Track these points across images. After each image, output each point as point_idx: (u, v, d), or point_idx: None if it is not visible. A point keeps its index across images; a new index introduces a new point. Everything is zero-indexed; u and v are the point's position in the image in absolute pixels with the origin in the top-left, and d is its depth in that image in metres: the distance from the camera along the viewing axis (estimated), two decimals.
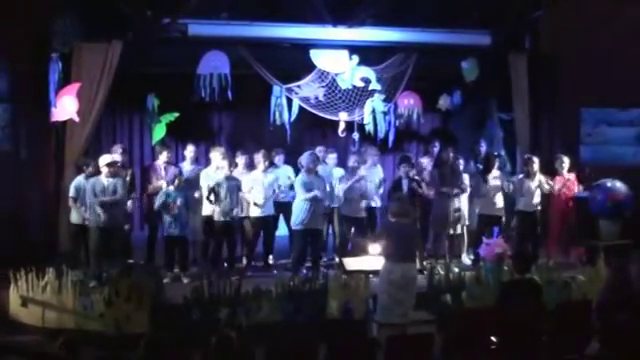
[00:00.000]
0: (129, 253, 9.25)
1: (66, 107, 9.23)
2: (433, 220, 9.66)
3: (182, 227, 8.80)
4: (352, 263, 7.75)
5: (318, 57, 10.25)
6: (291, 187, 9.45)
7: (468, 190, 9.61)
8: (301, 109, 10.43)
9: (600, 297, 6.18)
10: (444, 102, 11.20)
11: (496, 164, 9.81)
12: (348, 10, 9.93)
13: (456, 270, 8.66)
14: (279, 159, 9.78)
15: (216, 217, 8.99)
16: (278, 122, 10.36)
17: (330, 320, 7.58)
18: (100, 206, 8.42)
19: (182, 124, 10.48)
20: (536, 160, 9.60)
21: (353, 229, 9.33)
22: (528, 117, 10.86)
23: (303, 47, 10.23)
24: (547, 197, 9.72)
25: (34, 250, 8.77)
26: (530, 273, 6.59)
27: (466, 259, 9.77)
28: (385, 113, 10.71)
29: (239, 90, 10.02)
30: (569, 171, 9.80)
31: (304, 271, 8.81)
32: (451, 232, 9.56)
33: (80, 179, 8.80)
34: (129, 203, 9.12)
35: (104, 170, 8.52)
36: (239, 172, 9.41)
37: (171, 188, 8.77)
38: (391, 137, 10.85)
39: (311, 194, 8.79)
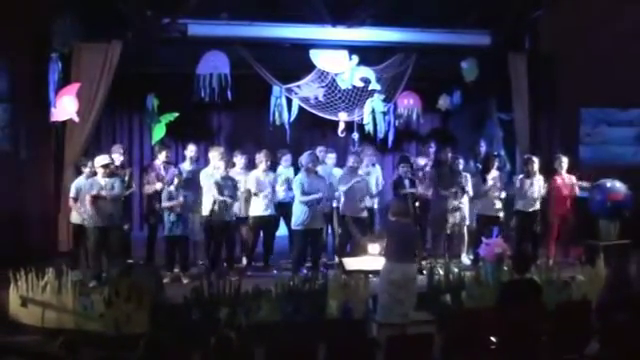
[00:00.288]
0: (128, 253, 9.24)
1: (66, 107, 9.24)
2: (431, 220, 9.66)
3: (184, 227, 8.82)
4: (352, 263, 7.75)
5: (318, 57, 10.26)
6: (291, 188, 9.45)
7: (471, 193, 9.57)
8: (301, 109, 10.44)
9: (600, 297, 6.19)
10: (444, 102, 11.21)
11: (496, 164, 9.78)
12: (348, 10, 9.93)
13: (456, 270, 8.64)
14: (286, 160, 9.67)
15: (215, 217, 8.99)
16: (278, 122, 10.37)
17: (330, 320, 7.56)
18: (94, 201, 8.37)
19: (182, 124, 10.50)
20: (536, 160, 9.58)
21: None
22: (528, 117, 10.86)
23: (303, 47, 10.24)
24: (546, 197, 9.71)
25: (34, 250, 8.79)
26: (530, 273, 6.57)
27: (466, 259, 9.76)
28: (385, 113, 10.72)
29: (239, 90, 10.03)
30: (569, 171, 9.79)
31: (304, 271, 8.80)
32: (450, 232, 9.55)
33: (81, 179, 8.80)
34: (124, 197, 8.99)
35: (99, 171, 8.53)
36: (236, 172, 9.38)
37: (171, 188, 8.78)
38: (391, 137, 10.88)
39: (311, 197, 8.76)
